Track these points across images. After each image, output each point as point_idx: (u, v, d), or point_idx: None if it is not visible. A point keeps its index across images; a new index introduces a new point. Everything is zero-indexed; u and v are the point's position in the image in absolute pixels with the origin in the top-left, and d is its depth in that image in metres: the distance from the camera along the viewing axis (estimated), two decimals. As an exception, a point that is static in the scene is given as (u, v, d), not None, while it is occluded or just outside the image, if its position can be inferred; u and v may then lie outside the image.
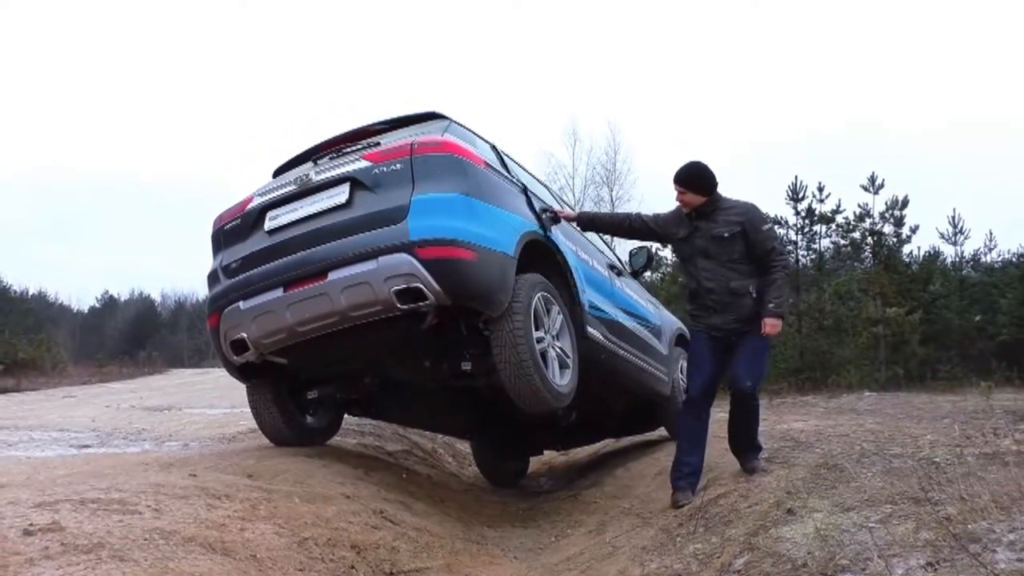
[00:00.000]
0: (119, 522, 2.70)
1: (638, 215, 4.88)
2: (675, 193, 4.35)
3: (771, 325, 4.15)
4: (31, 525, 2.52)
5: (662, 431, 6.81)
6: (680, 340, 6.57)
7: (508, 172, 4.69)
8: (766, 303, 4.17)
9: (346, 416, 5.65)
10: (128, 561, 2.40)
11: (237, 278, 4.39)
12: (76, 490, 3.08)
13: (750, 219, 4.26)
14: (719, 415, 4.63)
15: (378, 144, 4.38)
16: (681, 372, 6.36)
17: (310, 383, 4.91)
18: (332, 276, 3.98)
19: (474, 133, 4.72)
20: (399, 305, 3.90)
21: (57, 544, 2.40)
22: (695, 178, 4.32)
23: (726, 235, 4.24)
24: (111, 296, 61.35)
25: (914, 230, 20.61)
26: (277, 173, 4.97)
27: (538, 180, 5.53)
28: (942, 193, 46.91)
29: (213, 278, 4.60)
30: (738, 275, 4.24)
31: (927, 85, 77.47)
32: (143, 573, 2.35)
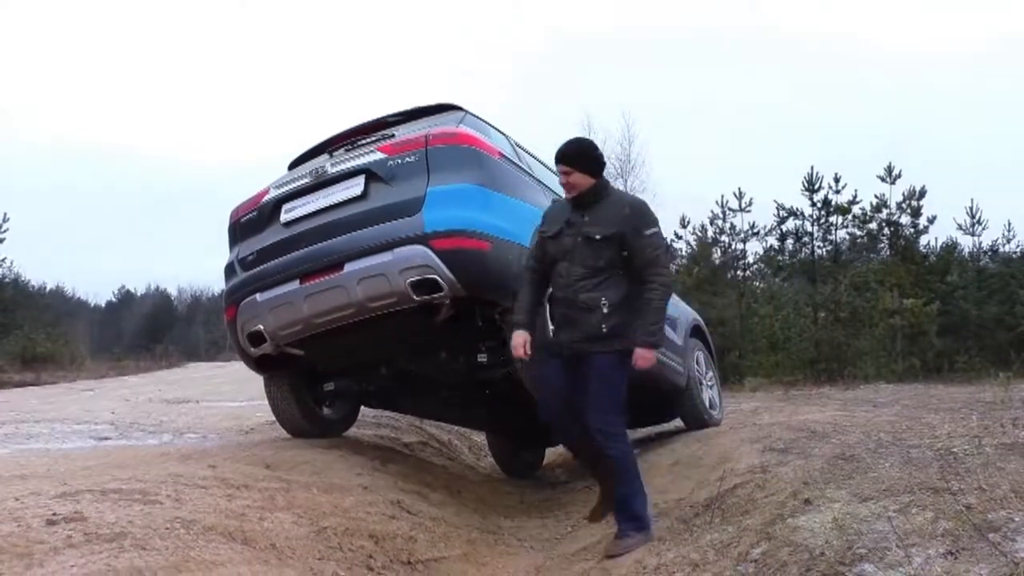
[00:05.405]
0: (140, 512, 2.73)
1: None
2: (559, 177, 3.66)
3: (642, 358, 3.40)
4: (54, 515, 2.55)
5: (678, 422, 6.80)
6: (695, 331, 6.55)
7: (522, 163, 4.68)
8: (637, 329, 3.41)
9: (363, 408, 5.68)
10: (150, 550, 2.43)
11: (254, 270, 4.42)
12: (97, 481, 3.12)
13: (633, 222, 3.48)
14: (740, 406, 4.60)
15: (393, 136, 4.40)
16: (696, 363, 6.35)
17: (327, 375, 4.94)
18: (348, 268, 4.01)
19: (489, 124, 4.71)
20: (414, 297, 3.91)
21: (80, 533, 2.42)
22: (581, 155, 3.58)
23: (597, 237, 3.47)
24: (128, 291, 61.92)
25: (931, 221, 20.41)
26: (292, 166, 4.99)
27: (553, 171, 5.51)
28: (959, 183, 46.41)
29: (230, 270, 4.64)
30: (593, 287, 3.46)
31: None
32: (164, 561, 2.38)
